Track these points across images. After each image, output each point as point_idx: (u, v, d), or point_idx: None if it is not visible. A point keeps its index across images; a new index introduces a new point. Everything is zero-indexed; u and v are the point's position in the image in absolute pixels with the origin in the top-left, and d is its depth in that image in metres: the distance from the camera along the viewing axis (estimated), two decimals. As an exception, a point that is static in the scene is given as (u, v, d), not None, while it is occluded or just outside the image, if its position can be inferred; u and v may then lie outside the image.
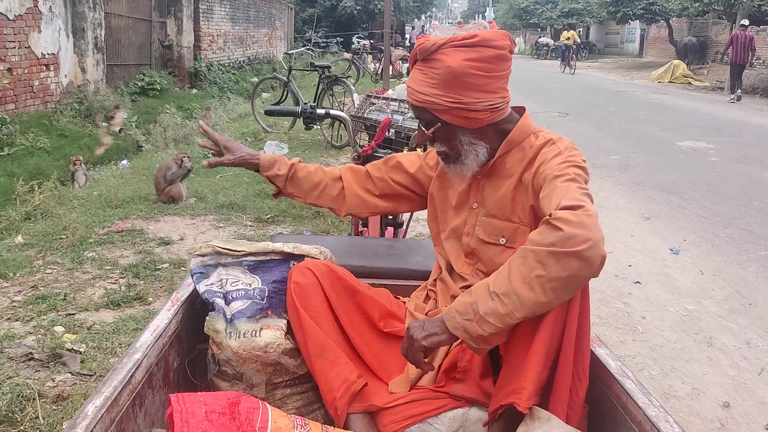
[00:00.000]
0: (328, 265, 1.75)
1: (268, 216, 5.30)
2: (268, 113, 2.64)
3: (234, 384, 1.68)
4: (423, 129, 1.73)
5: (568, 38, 26.82)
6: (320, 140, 8.59)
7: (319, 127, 8.28)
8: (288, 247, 1.85)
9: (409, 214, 3.31)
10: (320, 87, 8.87)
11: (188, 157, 5.78)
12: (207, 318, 1.75)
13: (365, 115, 2.85)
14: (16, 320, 3.38)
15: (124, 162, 8.22)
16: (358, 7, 26.02)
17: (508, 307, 1.38)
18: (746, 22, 16.73)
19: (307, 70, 10.38)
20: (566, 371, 1.45)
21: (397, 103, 2.93)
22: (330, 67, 9.01)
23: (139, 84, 12.11)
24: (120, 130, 9.76)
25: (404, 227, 3.15)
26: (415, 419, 1.58)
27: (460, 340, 1.50)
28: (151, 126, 9.88)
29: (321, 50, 20.64)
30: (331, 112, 2.69)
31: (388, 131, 2.80)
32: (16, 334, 3.21)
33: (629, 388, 1.43)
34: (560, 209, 1.37)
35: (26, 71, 8.77)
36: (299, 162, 2.00)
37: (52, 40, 9.36)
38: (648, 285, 4.34)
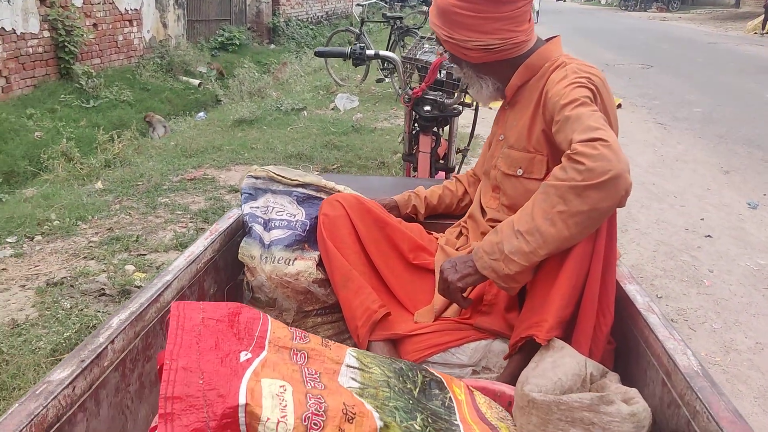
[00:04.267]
0: (357, 198, 1.77)
1: (334, 166, 5.36)
2: (318, 54, 2.65)
3: (267, 310, 1.74)
4: None
5: None
6: (391, 93, 8.56)
7: (390, 80, 8.25)
8: (340, 188, 1.87)
9: (461, 157, 3.29)
10: (392, 38, 8.81)
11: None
12: (241, 244, 1.78)
13: (417, 56, 2.81)
14: (92, 259, 3.59)
15: (201, 114, 8.47)
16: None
17: (532, 245, 1.38)
18: None
19: (381, 22, 10.30)
20: (590, 306, 1.43)
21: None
22: (402, 18, 8.92)
23: (219, 39, 12.35)
24: (200, 84, 10.03)
25: (455, 172, 3.12)
26: (438, 348, 1.59)
27: None
28: (229, 80, 10.10)
29: (400, 3, 20.33)
30: (381, 53, 2.67)
31: (440, 73, 2.75)
32: (90, 272, 3.41)
33: (652, 322, 1.39)
34: (578, 143, 1.34)
35: (110, 27, 9.10)
36: (428, 193, 2.07)
37: (134, -5, 9.65)
38: (720, 239, 4.16)
